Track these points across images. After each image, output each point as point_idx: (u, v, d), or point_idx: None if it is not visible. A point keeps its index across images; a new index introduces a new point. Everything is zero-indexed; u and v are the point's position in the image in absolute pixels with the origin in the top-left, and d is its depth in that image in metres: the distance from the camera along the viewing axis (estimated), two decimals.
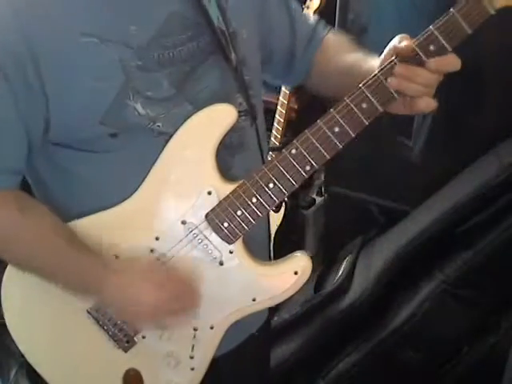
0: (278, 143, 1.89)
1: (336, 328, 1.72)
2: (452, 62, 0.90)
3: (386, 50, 0.95)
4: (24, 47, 0.84)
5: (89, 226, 0.99)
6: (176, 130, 0.95)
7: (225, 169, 0.98)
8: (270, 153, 1.92)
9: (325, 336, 1.74)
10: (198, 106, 0.96)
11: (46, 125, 0.90)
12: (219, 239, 1.00)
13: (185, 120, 0.95)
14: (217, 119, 0.97)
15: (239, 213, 0.98)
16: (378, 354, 1.65)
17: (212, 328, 1.04)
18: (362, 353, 1.67)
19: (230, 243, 1.00)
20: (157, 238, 0.99)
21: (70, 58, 0.87)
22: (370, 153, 1.85)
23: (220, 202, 0.97)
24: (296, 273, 1.03)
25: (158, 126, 0.94)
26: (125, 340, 1.04)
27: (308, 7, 1.77)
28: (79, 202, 1.00)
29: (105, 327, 1.03)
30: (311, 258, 1.05)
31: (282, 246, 2.08)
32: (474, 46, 1.56)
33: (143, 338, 1.04)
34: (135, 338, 1.04)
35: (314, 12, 1.75)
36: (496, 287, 1.57)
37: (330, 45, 1.16)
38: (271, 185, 0.97)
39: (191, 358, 1.06)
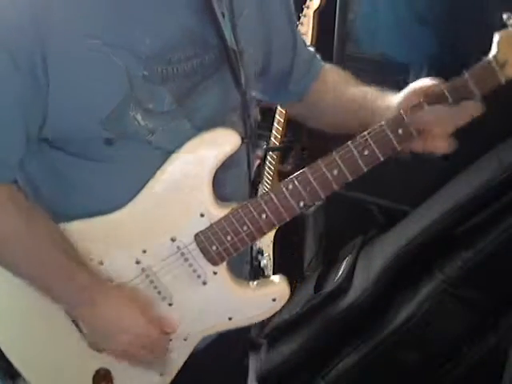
0: (277, 143, 1.89)
1: (336, 328, 1.72)
2: (477, 108, 0.91)
3: (409, 90, 0.97)
4: (36, 42, 0.84)
5: (78, 230, 0.99)
6: (171, 145, 0.95)
7: (217, 185, 0.99)
8: (270, 152, 1.93)
9: (325, 336, 1.74)
10: (196, 123, 0.97)
11: (42, 120, 0.89)
12: (205, 260, 1.01)
13: (180, 136, 0.96)
14: (221, 144, 0.97)
15: (229, 238, 0.99)
16: (378, 354, 1.65)
17: (185, 339, 1.07)
18: (362, 353, 1.67)
19: (215, 265, 1.02)
20: (144, 251, 1.00)
21: (79, 59, 0.86)
22: None
23: (211, 225, 0.99)
24: (274, 299, 1.06)
25: (156, 138, 0.94)
26: None
27: (308, 7, 1.77)
28: (69, 206, 1.00)
29: (79, 325, 1.03)
30: (289, 282, 1.06)
31: (282, 246, 2.08)
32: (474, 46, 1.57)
33: None
34: None
35: (314, 12, 1.74)
36: (496, 287, 1.57)
37: (329, 75, 1.17)
38: (264, 216, 0.98)
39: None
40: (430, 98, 0.91)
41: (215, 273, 1.02)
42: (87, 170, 0.96)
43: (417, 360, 1.65)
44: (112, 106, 0.89)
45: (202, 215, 0.99)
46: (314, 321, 1.76)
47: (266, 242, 2.09)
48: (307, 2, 1.77)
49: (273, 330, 1.92)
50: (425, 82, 0.96)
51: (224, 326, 1.07)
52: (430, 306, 1.57)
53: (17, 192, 0.97)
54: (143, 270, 1.00)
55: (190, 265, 1.01)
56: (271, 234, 2.06)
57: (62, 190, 0.99)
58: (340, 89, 1.14)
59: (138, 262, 1.00)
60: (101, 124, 0.90)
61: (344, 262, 1.83)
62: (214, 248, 1.00)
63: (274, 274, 2.12)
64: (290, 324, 1.83)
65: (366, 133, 0.93)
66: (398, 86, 0.98)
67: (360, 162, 0.93)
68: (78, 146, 0.93)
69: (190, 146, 0.96)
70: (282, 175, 2.04)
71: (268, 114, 2.02)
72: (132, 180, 0.97)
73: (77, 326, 1.03)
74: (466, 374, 1.62)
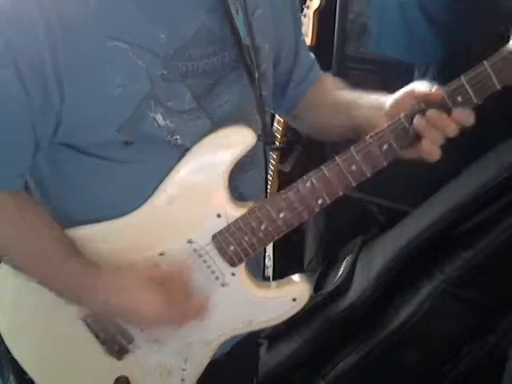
0: (278, 143, 1.89)
1: (336, 328, 1.72)
2: (471, 117, 0.90)
3: (403, 93, 0.95)
4: (48, 52, 0.81)
5: (91, 234, 0.98)
6: (193, 144, 0.94)
7: (234, 187, 0.98)
8: (271, 152, 1.92)
9: (325, 336, 1.74)
10: (216, 121, 0.96)
11: (56, 125, 0.88)
12: (223, 261, 1.00)
13: (202, 134, 0.94)
14: (235, 142, 0.96)
15: (246, 238, 0.98)
16: (378, 354, 1.65)
17: (207, 344, 1.05)
18: (362, 353, 1.67)
19: (233, 266, 1.00)
20: (161, 254, 0.98)
21: (96, 63, 0.84)
22: None
23: (228, 225, 0.97)
24: (294, 299, 1.04)
25: (176, 138, 0.93)
26: (117, 348, 1.03)
27: (308, 7, 1.77)
28: (81, 210, 0.98)
29: (97, 335, 1.02)
30: (308, 283, 1.06)
31: (282, 246, 2.08)
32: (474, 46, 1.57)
33: (137, 347, 1.04)
34: (128, 347, 1.03)
35: (314, 12, 1.74)
36: (496, 287, 1.57)
37: (327, 81, 1.17)
38: (281, 215, 0.97)
39: (183, 370, 1.07)
40: (431, 102, 0.89)
41: (234, 274, 1.01)
42: (104, 170, 0.94)
43: (417, 360, 1.65)
44: (132, 109, 0.88)
45: (218, 216, 0.97)
46: (314, 321, 1.76)
47: None
48: (307, 2, 1.77)
49: (273, 330, 1.93)
50: (420, 85, 0.94)
51: (245, 328, 1.06)
52: (430, 306, 1.57)
53: (25, 200, 0.96)
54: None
55: (209, 267, 1.00)
56: None
57: (73, 192, 0.97)
58: (333, 93, 1.14)
59: (156, 265, 0.98)
60: (118, 130, 0.89)
61: (344, 262, 1.83)
62: (232, 248, 0.98)
63: (273, 274, 2.12)
64: (290, 324, 1.83)
65: (367, 137, 0.92)
66: (401, 87, 0.98)
67: (379, 156, 0.93)
68: (93, 147, 0.92)
69: (204, 144, 0.94)
70: (282, 175, 2.04)
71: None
72: (151, 180, 0.96)
73: (95, 335, 1.02)
74: (466, 374, 1.62)
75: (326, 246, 2.15)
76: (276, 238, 1.00)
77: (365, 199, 1.93)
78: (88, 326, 1.02)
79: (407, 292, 1.63)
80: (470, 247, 1.54)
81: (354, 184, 0.95)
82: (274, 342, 1.91)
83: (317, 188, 0.95)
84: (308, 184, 0.95)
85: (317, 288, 1.83)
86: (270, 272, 2.13)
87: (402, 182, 1.80)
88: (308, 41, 1.78)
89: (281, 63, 1.12)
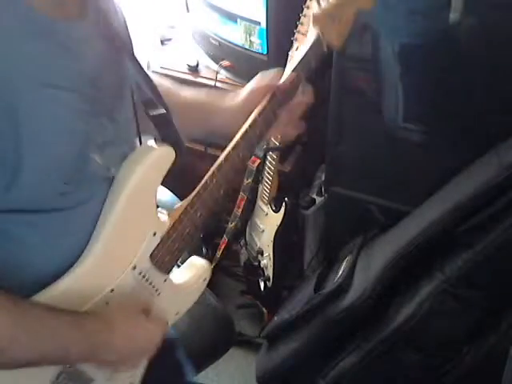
0: (277, 143, 1.89)
1: (336, 328, 1.71)
2: (310, 94, 1.12)
3: (253, 88, 1.12)
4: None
5: (49, 298, 0.90)
6: (117, 170, 0.94)
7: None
8: (270, 152, 1.93)
9: (325, 336, 1.74)
10: (130, 143, 0.99)
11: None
12: (159, 272, 1.04)
13: (123, 158, 0.95)
14: (160, 163, 0.98)
15: (176, 245, 1.03)
16: (378, 354, 1.65)
17: None
18: (362, 353, 1.67)
19: (167, 274, 1.06)
20: (112, 291, 0.98)
21: (33, 112, 0.78)
22: (371, 153, 1.86)
23: (161, 239, 1.01)
24: (205, 279, 1.15)
25: (111, 171, 0.93)
26: None
27: (308, 7, 1.76)
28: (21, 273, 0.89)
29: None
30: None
31: (282, 246, 2.08)
32: (474, 46, 1.57)
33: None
34: None
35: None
36: (496, 287, 1.57)
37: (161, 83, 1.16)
38: (199, 214, 1.04)
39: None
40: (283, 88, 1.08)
41: (165, 280, 1.07)
42: (36, 223, 0.86)
43: (417, 360, 1.65)
44: (74, 154, 0.85)
45: (154, 234, 1.00)
46: (314, 321, 1.76)
47: (266, 242, 2.09)
48: (307, 2, 1.76)
49: (273, 330, 1.92)
50: (267, 75, 1.11)
51: (171, 322, 1.15)
52: (430, 306, 1.57)
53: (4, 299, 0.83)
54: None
55: (151, 283, 1.04)
56: (271, 234, 2.06)
57: (16, 255, 0.88)
58: (172, 92, 1.17)
59: (107, 303, 0.98)
60: (66, 181, 0.85)
61: (344, 262, 1.83)
62: (167, 259, 1.03)
63: (274, 274, 2.12)
64: (290, 324, 1.83)
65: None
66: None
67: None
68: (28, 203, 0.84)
69: (130, 169, 0.94)
70: (282, 175, 2.04)
71: None
72: (88, 221, 0.93)
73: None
74: (465, 374, 1.62)
75: (326, 246, 2.15)
76: (198, 237, 1.08)
77: (365, 199, 1.93)
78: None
79: (407, 292, 1.63)
80: (470, 247, 1.54)
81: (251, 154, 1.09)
82: (273, 342, 1.91)
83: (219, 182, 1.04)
84: (214, 180, 1.04)
85: (317, 288, 1.83)
86: (270, 272, 2.13)
87: (402, 182, 1.80)
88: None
89: None
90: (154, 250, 1.01)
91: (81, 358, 0.94)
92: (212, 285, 1.28)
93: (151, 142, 0.99)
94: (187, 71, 2.27)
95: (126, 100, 1.00)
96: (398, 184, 1.81)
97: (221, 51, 2.17)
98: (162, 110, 1.02)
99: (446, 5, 1.44)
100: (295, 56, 1.17)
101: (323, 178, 2.09)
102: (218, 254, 2.28)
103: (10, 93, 0.76)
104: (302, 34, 1.79)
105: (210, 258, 2.23)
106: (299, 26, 1.79)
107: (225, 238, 2.19)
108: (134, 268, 0.99)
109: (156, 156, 0.97)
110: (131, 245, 0.99)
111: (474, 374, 1.61)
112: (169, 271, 1.06)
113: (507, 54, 1.51)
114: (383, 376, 1.70)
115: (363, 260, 1.80)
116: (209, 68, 2.26)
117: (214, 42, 2.16)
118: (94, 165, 0.89)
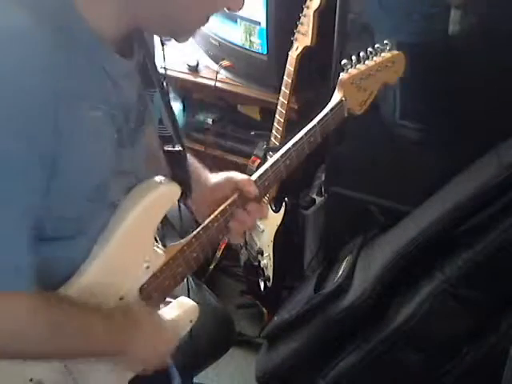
0: (277, 143, 1.89)
1: (336, 328, 1.71)
2: (262, 211, 1.17)
3: (224, 179, 1.14)
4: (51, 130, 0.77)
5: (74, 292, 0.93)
6: (120, 200, 0.95)
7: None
8: (271, 153, 1.92)
9: (325, 336, 1.74)
10: (138, 176, 0.98)
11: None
12: (145, 306, 1.04)
13: (127, 189, 0.96)
14: (165, 199, 0.99)
15: (167, 282, 1.03)
16: (378, 354, 1.64)
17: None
18: (362, 353, 1.67)
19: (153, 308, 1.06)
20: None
21: (84, 137, 0.82)
22: (370, 153, 1.86)
23: (154, 274, 1.01)
24: (191, 321, 1.13)
25: (119, 200, 0.94)
26: None
27: (308, 7, 1.77)
28: None
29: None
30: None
31: (282, 246, 2.08)
32: (474, 47, 1.57)
33: None
34: None
35: (314, 12, 1.74)
36: (496, 287, 1.57)
37: None
38: (194, 255, 1.05)
39: None
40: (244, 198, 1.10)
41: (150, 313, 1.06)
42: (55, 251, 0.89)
43: (417, 360, 1.65)
44: (104, 177, 0.88)
45: (147, 267, 1.00)
46: (313, 321, 1.76)
47: (266, 242, 2.09)
48: (307, 2, 1.76)
49: (273, 330, 1.92)
50: (239, 178, 1.12)
51: None
52: (430, 306, 1.57)
53: (40, 300, 0.86)
54: None
55: None
56: (271, 234, 2.06)
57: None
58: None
59: None
60: (89, 198, 0.87)
61: (344, 262, 1.83)
62: (155, 295, 1.03)
63: (274, 274, 2.12)
64: (290, 324, 1.83)
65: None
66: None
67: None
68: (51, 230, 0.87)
69: (135, 201, 0.95)
70: None
71: (268, 114, 2.02)
72: (90, 246, 0.94)
73: None
74: (466, 374, 1.61)
75: (326, 246, 2.15)
76: (186, 276, 1.10)
77: (365, 199, 1.93)
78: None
79: (407, 292, 1.63)
80: (470, 247, 1.54)
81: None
82: (273, 343, 1.91)
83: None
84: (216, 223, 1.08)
85: (317, 288, 1.83)
86: (270, 272, 2.13)
87: (402, 182, 1.80)
88: (308, 41, 1.78)
89: None
90: (144, 284, 1.00)
91: (106, 352, 0.97)
92: (212, 285, 1.29)
93: (160, 178, 0.99)
94: (187, 71, 2.27)
95: (143, 133, 1.00)
96: (398, 184, 1.81)
97: (221, 51, 2.17)
98: (178, 148, 1.02)
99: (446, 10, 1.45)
100: (315, 118, 1.20)
101: (323, 178, 2.09)
102: (218, 253, 2.28)
103: (58, 115, 0.77)
104: (302, 34, 1.79)
105: (209, 258, 2.23)
106: (299, 25, 1.79)
107: (225, 238, 2.19)
108: (121, 299, 0.99)
109: (162, 192, 0.97)
110: (122, 275, 0.98)
111: (474, 374, 1.61)
112: (157, 307, 1.07)
113: (507, 53, 1.52)
114: (383, 376, 1.70)
115: (363, 260, 1.80)
116: (209, 68, 2.26)
117: (213, 41, 2.16)
118: (109, 193, 0.90)
